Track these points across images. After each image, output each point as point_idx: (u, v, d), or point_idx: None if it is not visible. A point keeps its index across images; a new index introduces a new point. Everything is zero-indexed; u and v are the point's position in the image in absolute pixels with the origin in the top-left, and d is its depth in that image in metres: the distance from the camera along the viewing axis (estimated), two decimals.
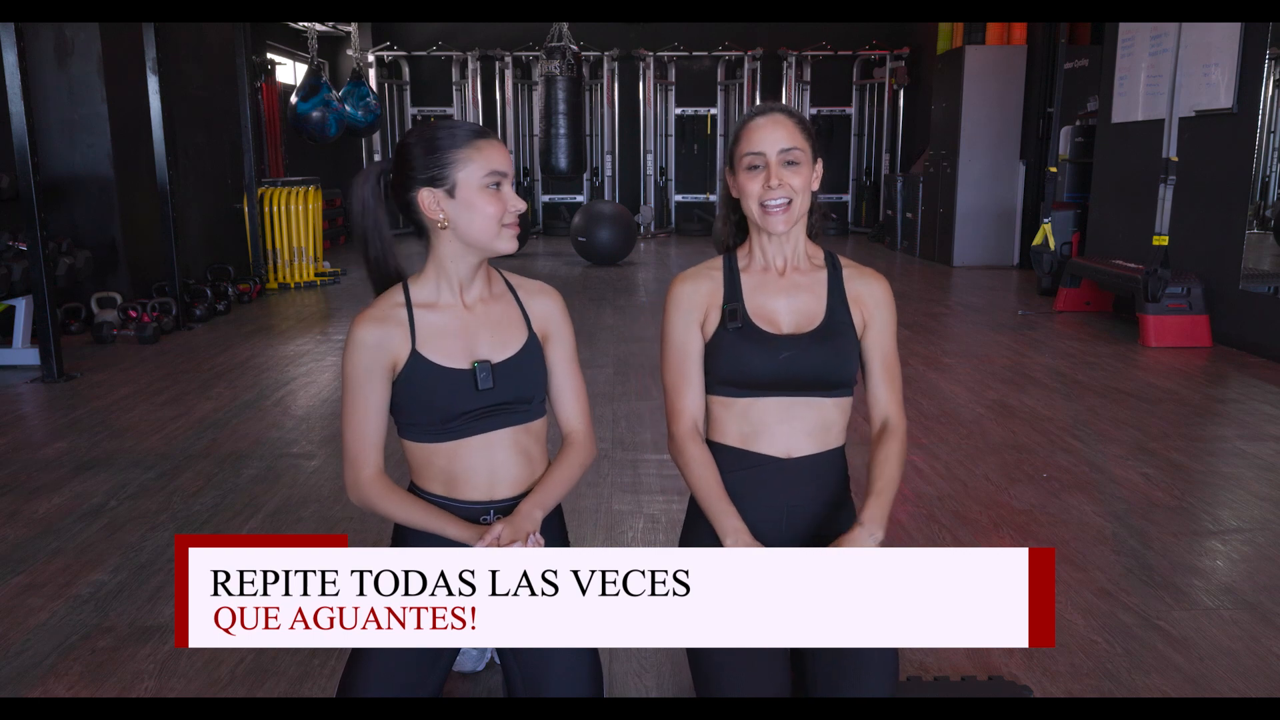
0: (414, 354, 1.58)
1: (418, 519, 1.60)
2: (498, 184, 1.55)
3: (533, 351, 1.66)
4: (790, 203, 1.64)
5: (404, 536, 1.69)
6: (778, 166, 1.64)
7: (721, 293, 1.72)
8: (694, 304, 1.72)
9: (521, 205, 1.59)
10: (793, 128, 1.67)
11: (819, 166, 1.71)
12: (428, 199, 1.55)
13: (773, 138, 1.65)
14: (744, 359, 1.67)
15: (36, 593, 2.39)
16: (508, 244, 1.59)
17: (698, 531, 1.73)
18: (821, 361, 1.67)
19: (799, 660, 1.61)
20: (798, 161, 1.65)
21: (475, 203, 1.54)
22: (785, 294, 1.71)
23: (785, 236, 1.70)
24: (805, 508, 1.70)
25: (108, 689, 1.97)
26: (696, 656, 1.58)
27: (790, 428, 1.68)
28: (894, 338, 1.76)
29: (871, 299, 1.74)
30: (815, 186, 1.70)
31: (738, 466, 1.70)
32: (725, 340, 1.69)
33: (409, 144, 1.57)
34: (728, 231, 1.81)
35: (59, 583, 2.45)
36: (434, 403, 1.58)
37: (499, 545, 1.52)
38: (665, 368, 1.75)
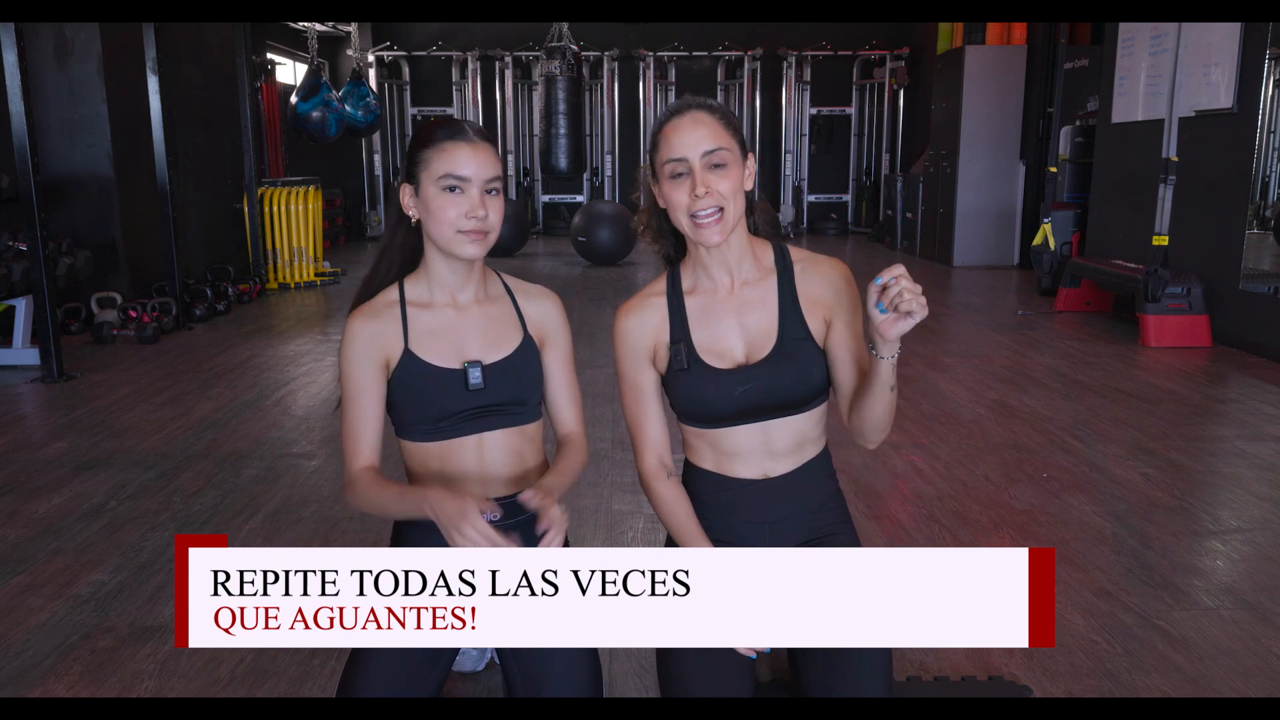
0: (406, 352, 1.59)
1: (410, 502, 1.52)
2: (453, 187, 1.53)
3: (528, 354, 1.65)
4: (722, 210, 1.50)
5: (403, 536, 1.69)
6: (702, 171, 1.49)
7: (668, 325, 1.62)
8: (640, 341, 1.63)
9: (481, 213, 1.53)
10: (715, 125, 1.52)
11: (750, 163, 1.58)
12: (405, 194, 1.59)
13: (693, 139, 1.50)
14: (700, 399, 1.60)
15: (36, 593, 2.39)
16: (463, 249, 1.55)
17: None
18: (782, 386, 1.59)
19: (794, 661, 1.61)
20: (724, 163, 1.50)
21: (431, 204, 1.54)
22: (735, 314, 1.61)
23: (725, 245, 1.56)
24: (788, 520, 1.68)
25: (108, 689, 1.97)
26: (664, 655, 1.58)
27: (764, 451, 1.64)
28: (860, 324, 1.62)
29: (830, 292, 1.61)
30: (749, 186, 1.58)
31: (716, 489, 1.68)
32: (678, 380, 1.61)
33: (411, 137, 1.60)
34: (666, 244, 1.69)
35: (59, 583, 2.45)
36: (426, 401, 1.59)
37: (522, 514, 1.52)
38: (623, 404, 1.69)
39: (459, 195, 1.53)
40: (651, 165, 1.59)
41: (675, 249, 1.70)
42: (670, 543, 1.77)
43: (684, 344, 1.61)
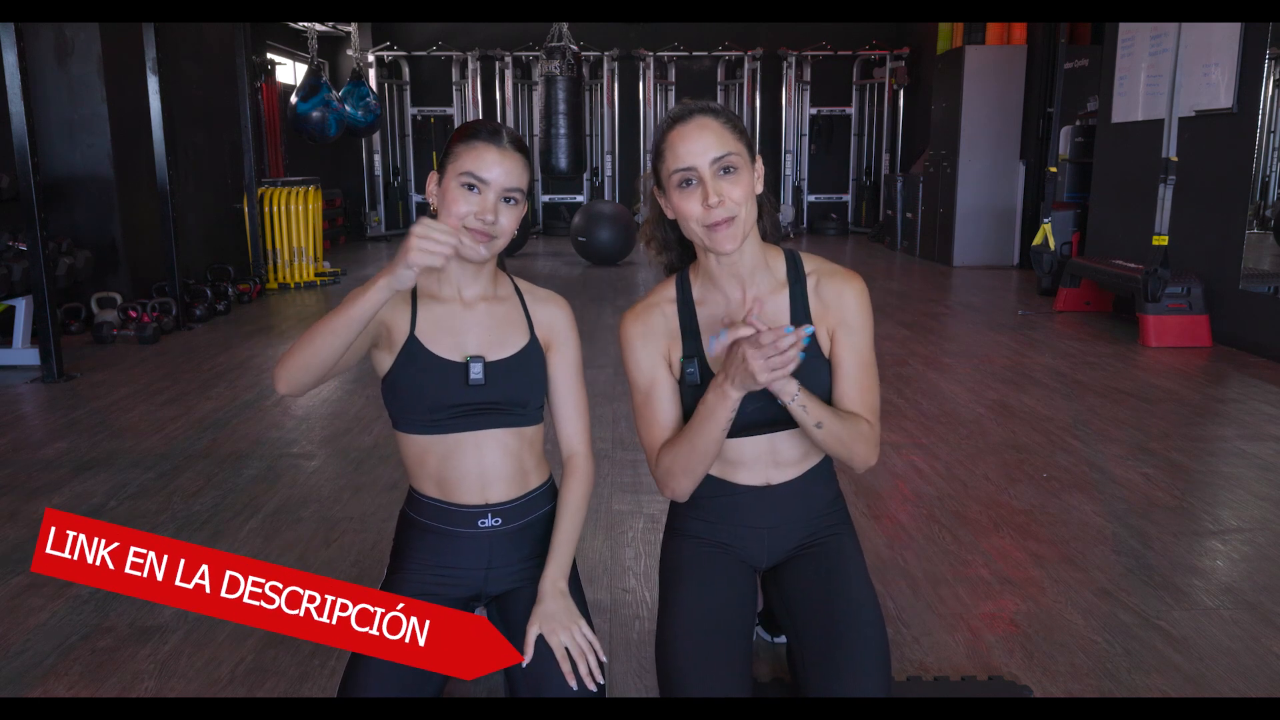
0: (411, 337, 1.60)
1: (336, 315, 1.41)
2: (471, 186, 1.54)
3: (532, 356, 1.66)
4: (734, 218, 1.47)
5: (406, 537, 1.70)
6: (713, 179, 1.45)
7: (679, 336, 1.60)
8: (652, 349, 1.61)
9: (490, 218, 1.54)
10: (721, 129, 1.48)
11: (759, 165, 1.54)
12: (432, 181, 1.60)
13: (700, 146, 1.46)
14: None
15: (36, 593, 2.39)
16: (466, 249, 1.54)
17: (679, 539, 1.73)
18: None
19: (793, 660, 1.61)
20: (735, 168, 1.47)
21: (446, 196, 1.56)
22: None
23: (739, 255, 1.53)
24: (787, 525, 1.69)
25: (108, 689, 1.97)
26: (664, 655, 1.58)
27: (768, 460, 1.64)
28: (869, 343, 1.59)
29: (839, 305, 1.58)
30: (759, 189, 1.53)
31: (718, 494, 1.68)
32: (690, 395, 1.58)
33: (453, 131, 1.64)
34: (671, 256, 1.66)
35: (59, 583, 2.45)
36: (424, 391, 1.60)
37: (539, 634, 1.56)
38: (635, 410, 1.65)
39: (475, 195, 1.54)
40: (656, 175, 1.55)
41: (681, 259, 1.68)
42: (671, 524, 1.77)
43: (698, 359, 1.59)
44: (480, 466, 1.63)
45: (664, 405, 1.63)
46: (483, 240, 1.55)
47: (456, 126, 1.61)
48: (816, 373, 1.58)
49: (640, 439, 1.67)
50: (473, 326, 1.63)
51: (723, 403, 1.46)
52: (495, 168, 1.54)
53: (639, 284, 8.11)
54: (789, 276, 1.61)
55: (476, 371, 1.59)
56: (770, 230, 1.66)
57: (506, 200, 1.56)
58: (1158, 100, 5.92)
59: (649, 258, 1.72)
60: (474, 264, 1.61)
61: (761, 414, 1.58)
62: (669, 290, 1.65)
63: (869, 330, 1.60)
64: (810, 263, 1.63)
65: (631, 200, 12.24)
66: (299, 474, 3.29)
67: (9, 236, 5.03)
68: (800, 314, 1.59)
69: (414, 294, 1.62)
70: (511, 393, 1.63)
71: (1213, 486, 3.20)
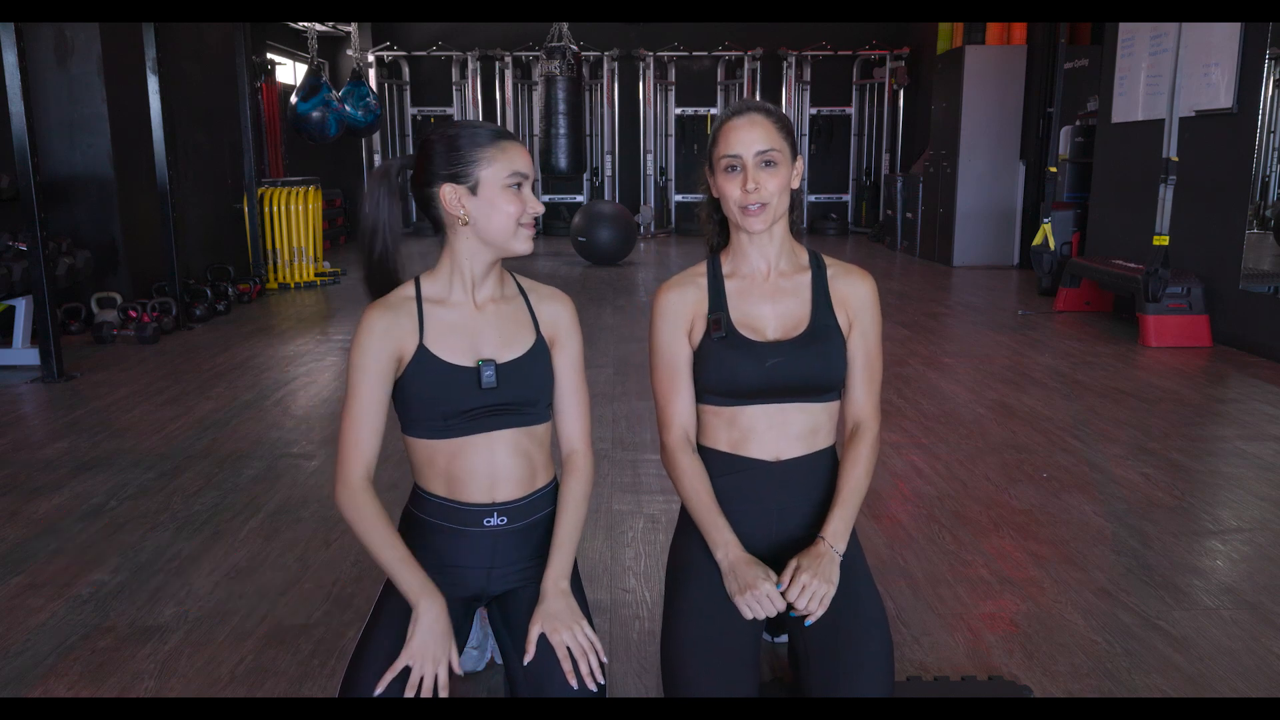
0: (421, 348, 1.59)
1: (384, 555, 1.55)
2: (519, 184, 1.58)
3: (539, 355, 1.67)
4: (767, 205, 1.65)
5: (409, 536, 1.69)
6: (754, 169, 1.63)
7: (707, 301, 1.73)
8: (680, 313, 1.73)
9: (540, 208, 1.61)
10: (770, 127, 1.66)
11: (799, 164, 1.71)
12: (449, 195, 1.57)
13: (749, 139, 1.64)
14: (731, 368, 1.67)
15: (36, 593, 2.39)
16: (523, 244, 1.60)
17: (688, 538, 1.74)
18: (809, 367, 1.67)
19: (795, 660, 1.61)
20: (775, 162, 1.65)
21: (496, 201, 1.56)
22: (770, 299, 1.72)
23: (768, 237, 1.71)
24: (796, 508, 1.71)
25: (108, 689, 1.97)
26: (669, 655, 1.59)
27: (779, 432, 1.70)
28: (878, 337, 1.77)
29: (856, 299, 1.74)
30: (795, 185, 1.70)
31: (727, 471, 1.71)
32: (712, 349, 1.69)
33: (434, 140, 1.59)
34: (711, 231, 1.82)
35: (59, 583, 2.45)
36: (437, 399, 1.59)
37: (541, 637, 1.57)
38: (654, 378, 1.76)
39: (520, 192, 1.58)
40: (709, 158, 1.71)
41: (719, 238, 1.82)
42: (681, 523, 1.77)
43: (723, 315, 1.71)
44: (490, 466, 1.63)
45: (683, 373, 1.74)
46: (532, 232, 1.62)
47: (451, 135, 1.59)
48: (838, 347, 1.72)
49: (656, 399, 1.76)
50: (483, 329, 1.63)
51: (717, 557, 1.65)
52: (528, 161, 1.61)
53: (639, 284, 8.11)
54: (811, 264, 1.77)
55: (489, 375, 1.60)
56: (795, 226, 1.80)
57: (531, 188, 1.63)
58: (1158, 100, 5.92)
59: (702, 229, 1.87)
60: (492, 264, 1.64)
61: (782, 372, 1.66)
62: (702, 267, 1.78)
63: (878, 324, 1.77)
64: (829, 259, 1.80)
65: (630, 193, 12.24)
66: (299, 474, 3.29)
67: (9, 236, 5.02)
68: (820, 293, 1.73)
69: (419, 303, 1.62)
70: (522, 392, 1.63)
71: (1213, 486, 3.20)
